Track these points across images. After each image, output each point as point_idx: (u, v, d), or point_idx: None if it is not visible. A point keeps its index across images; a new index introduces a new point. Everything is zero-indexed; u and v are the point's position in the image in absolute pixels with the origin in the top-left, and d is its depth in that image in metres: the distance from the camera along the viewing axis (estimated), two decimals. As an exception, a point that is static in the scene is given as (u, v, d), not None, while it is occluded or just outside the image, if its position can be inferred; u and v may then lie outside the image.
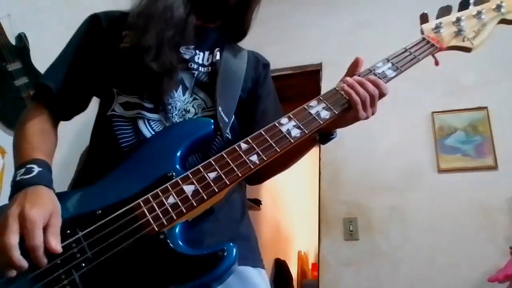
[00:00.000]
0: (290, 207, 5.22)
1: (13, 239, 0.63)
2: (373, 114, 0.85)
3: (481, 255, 2.12)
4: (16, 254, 0.63)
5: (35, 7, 1.93)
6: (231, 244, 0.70)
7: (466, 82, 2.46)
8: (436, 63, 0.98)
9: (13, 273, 0.64)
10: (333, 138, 0.92)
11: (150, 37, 0.86)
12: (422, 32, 0.98)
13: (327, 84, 2.70)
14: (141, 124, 0.86)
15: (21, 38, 1.80)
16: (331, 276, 2.33)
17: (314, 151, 1.03)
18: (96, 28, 0.93)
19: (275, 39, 2.74)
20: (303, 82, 2.88)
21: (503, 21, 1.00)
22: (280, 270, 4.29)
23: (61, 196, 0.74)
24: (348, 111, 0.84)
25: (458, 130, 2.38)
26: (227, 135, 0.91)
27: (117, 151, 0.84)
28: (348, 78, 0.85)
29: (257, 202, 3.76)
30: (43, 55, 1.86)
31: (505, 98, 2.36)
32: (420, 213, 2.30)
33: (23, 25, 1.82)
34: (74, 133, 1.86)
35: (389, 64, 0.90)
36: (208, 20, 0.99)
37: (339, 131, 0.91)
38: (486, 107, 2.37)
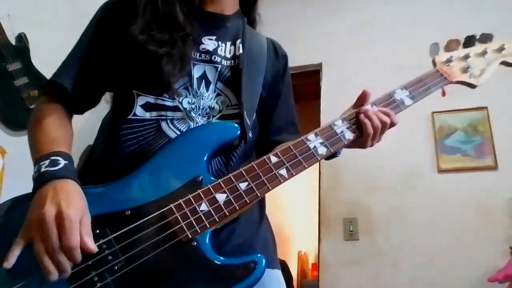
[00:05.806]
0: (290, 207, 5.21)
1: (57, 243, 0.62)
2: (378, 142, 0.90)
3: (481, 255, 2.12)
4: (63, 259, 0.63)
5: (35, 7, 1.93)
6: (260, 255, 0.72)
7: (466, 82, 2.46)
8: (443, 94, 1.07)
9: (54, 276, 0.62)
10: (336, 156, 0.93)
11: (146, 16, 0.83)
12: (434, 64, 1.06)
13: (327, 84, 2.70)
14: (165, 126, 0.83)
15: (21, 38, 1.80)
16: (331, 276, 2.33)
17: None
18: (111, 17, 0.87)
19: (275, 39, 2.74)
20: (303, 82, 2.87)
21: (504, 63, 1.08)
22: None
23: (85, 192, 0.71)
24: (357, 138, 0.88)
25: (458, 130, 2.38)
26: (249, 135, 0.90)
27: (135, 152, 0.81)
28: (366, 108, 0.88)
29: (257, 202, 3.76)
30: (43, 55, 1.87)
31: (505, 98, 2.36)
32: (420, 213, 2.29)
33: (23, 25, 1.82)
34: (75, 132, 1.85)
35: (407, 92, 0.95)
36: (222, 7, 0.94)
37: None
38: (486, 107, 2.37)
